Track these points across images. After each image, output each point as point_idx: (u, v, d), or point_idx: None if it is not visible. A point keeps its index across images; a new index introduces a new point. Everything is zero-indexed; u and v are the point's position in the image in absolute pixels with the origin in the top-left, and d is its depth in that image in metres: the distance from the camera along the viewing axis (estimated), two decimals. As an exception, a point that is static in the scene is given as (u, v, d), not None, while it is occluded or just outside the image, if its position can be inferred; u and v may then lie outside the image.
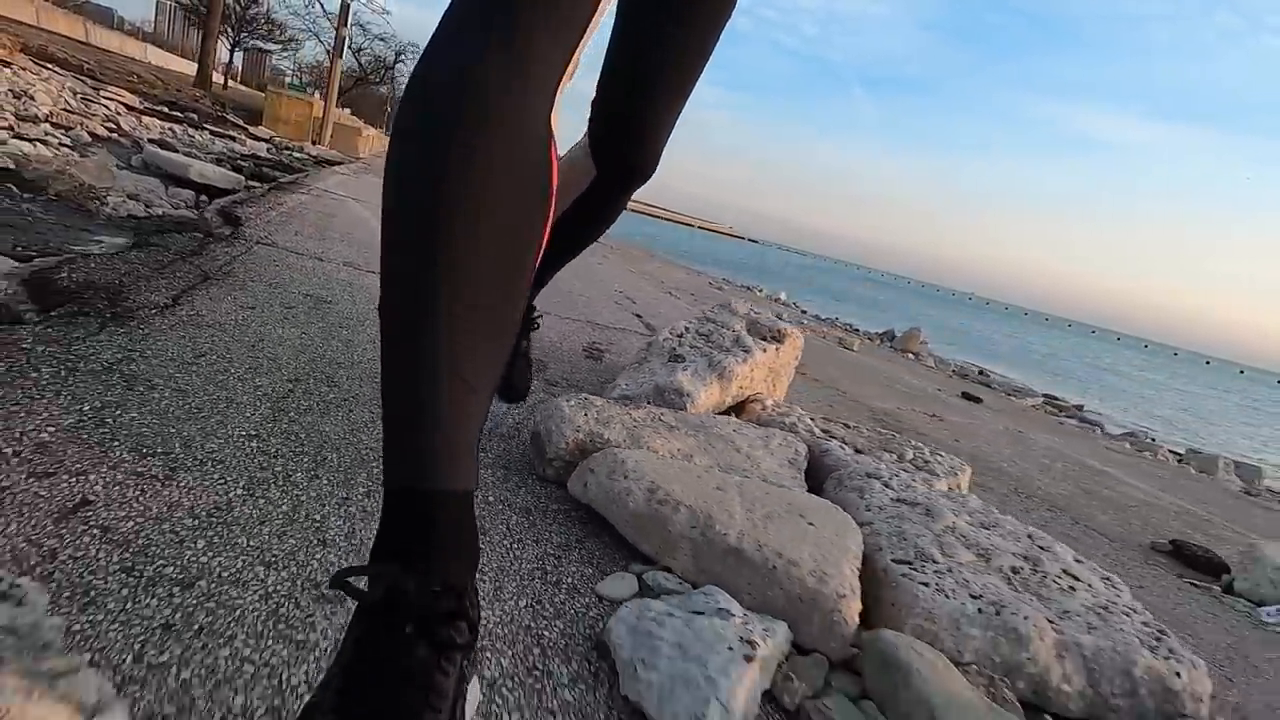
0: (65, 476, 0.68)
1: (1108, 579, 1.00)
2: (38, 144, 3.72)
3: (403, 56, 31.93)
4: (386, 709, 0.37)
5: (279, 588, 0.62)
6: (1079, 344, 47.36)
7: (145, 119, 7.33)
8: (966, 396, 4.20)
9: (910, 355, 6.27)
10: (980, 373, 8.47)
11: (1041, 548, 1.02)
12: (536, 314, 1.44)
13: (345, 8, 14.44)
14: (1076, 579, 0.95)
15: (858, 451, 1.38)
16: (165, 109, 9.75)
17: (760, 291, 9.03)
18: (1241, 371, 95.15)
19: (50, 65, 10.41)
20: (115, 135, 5.48)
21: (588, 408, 1.07)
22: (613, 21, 0.87)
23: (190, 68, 23.44)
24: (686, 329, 1.64)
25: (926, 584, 0.83)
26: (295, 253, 2.10)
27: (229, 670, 0.52)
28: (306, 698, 0.52)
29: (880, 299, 33.37)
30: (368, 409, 1.08)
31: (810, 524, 0.88)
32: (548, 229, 0.51)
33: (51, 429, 0.76)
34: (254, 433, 0.90)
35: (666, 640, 0.63)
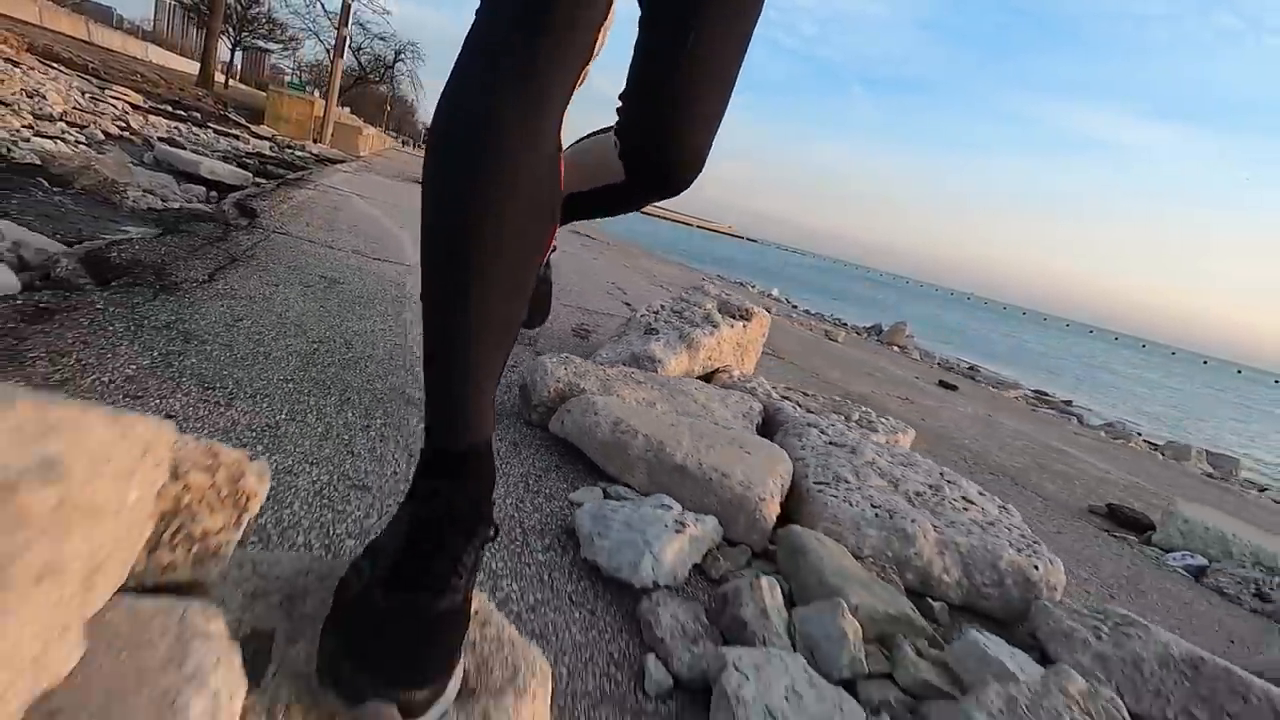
0: (152, 399, 0.88)
1: (1004, 507, 1.20)
2: (58, 141, 3.92)
3: (402, 55, 32.08)
4: (425, 569, 0.49)
5: (321, 477, 0.81)
6: (1075, 343, 47.60)
7: (152, 118, 7.51)
8: (943, 384, 4.39)
9: (896, 348, 6.47)
10: (970, 368, 8.67)
11: (949, 482, 1.22)
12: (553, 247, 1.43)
13: (346, 8, 14.60)
14: (971, 503, 1.15)
15: (809, 412, 1.57)
16: (169, 108, 9.92)
17: (753, 288, 9.23)
18: (1239, 371, 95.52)
19: (56, 65, 10.58)
20: (127, 134, 5.66)
21: (567, 364, 1.26)
22: (638, 16, 0.78)
23: (190, 66, 23.61)
24: (663, 307, 1.84)
25: (836, 497, 1.02)
26: (308, 241, 2.29)
27: (292, 521, 0.71)
28: (349, 542, 0.71)
29: (878, 298, 33.58)
30: (380, 365, 1.27)
31: (747, 453, 1.07)
32: (552, 236, 0.61)
33: (133, 367, 0.95)
34: (289, 378, 1.09)
35: (618, 520, 0.83)
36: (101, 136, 4.99)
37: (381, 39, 29.05)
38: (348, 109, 24.37)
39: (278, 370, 1.10)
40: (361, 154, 14.15)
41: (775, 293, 9.09)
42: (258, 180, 4.39)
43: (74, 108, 6.08)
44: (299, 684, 0.40)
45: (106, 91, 8.98)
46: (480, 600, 0.53)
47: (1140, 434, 6.77)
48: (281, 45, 30.60)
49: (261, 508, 0.68)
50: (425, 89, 38.41)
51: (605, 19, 0.59)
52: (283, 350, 1.20)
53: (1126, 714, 0.61)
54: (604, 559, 0.77)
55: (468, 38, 0.55)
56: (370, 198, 4.41)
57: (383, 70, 32.69)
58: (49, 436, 0.25)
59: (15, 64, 8.18)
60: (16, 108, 4.88)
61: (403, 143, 49.38)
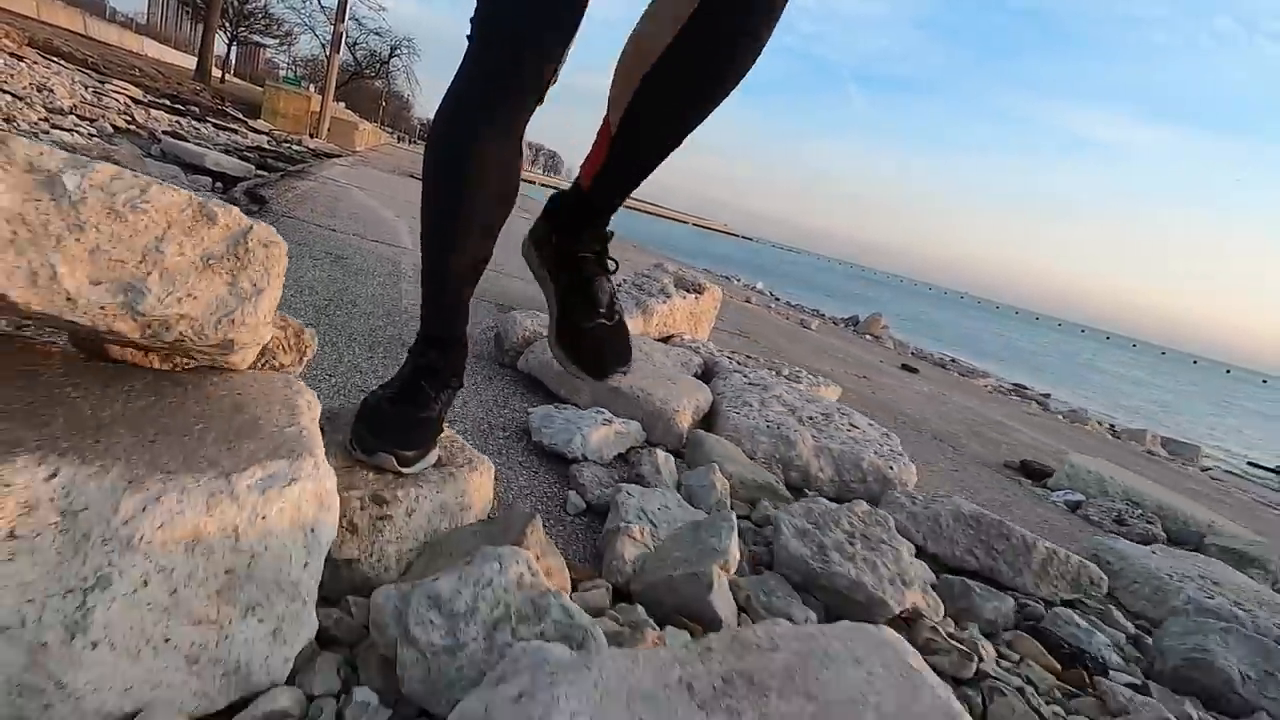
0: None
1: (886, 434, 1.48)
2: (73, 134, 4.16)
3: (398, 51, 32.17)
4: (415, 393, 0.76)
5: (336, 384, 1.09)
6: (1066, 342, 48.08)
7: (153, 112, 7.74)
8: (905, 368, 4.69)
9: (870, 337, 6.77)
10: (951, 360, 8.97)
11: (842, 413, 1.50)
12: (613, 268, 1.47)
13: (342, 4, 14.80)
14: (856, 426, 1.43)
15: (742, 365, 1.85)
16: (168, 102, 10.12)
17: (738, 281, 9.52)
18: (1228, 371, 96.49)
19: (56, 59, 10.75)
20: (133, 127, 5.90)
21: (533, 317, 1.54)
22: None
23: (185, 60, 23.73)
24: (625, 280, 2.12)
25: (739, 415, 1.31)
26: (314, 224, 2.56)
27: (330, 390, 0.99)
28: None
29: (869, 295, 33.90)
30: (380, 319, 1.54)
31: (673, 383, 1.35)
32: (508, 213, 0.80)
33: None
34: (311, 322, 1.36)
35: (560, 418, 1.11)
36: (111, 130, 5.24)
37: (377, 34, 29.18)
38: (342, 104, 24.54)
39: (299, 318, 1.38)
40: (358, 149, 14.37)
41: (760, 286, 9.40)
42: (260, 173, 4.64)
43: (81, 102, 6.31)
44: (338, 448, 0.68)
45: (107, 86, 9.17)
46: (452, 433, 0.81)
47: (1100, 421, 7.08)
48: (277, 40, 30.74)
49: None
50: (421, 85, 38.54)
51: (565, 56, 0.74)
52: (301, 304, 1.48)
53: (894, 527, 0.90)
54: (546, 439, 1.05)
55: (459, 77, 0.72)
56: (368, 190, 4.67)
57: (378, 66, 32.81)
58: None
59: (19, 58, 8.38)
60: (29, 101, 5.12)
61: (398, 139, 49.35)
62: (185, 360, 0.58)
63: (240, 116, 12.70)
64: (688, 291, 2.12)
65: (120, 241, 0.45)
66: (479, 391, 1.29)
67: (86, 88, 7.99)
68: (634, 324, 1.88)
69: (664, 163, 0.81)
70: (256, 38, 30.28)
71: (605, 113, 0.79)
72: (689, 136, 0.78)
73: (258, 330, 0.55)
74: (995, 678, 0.75)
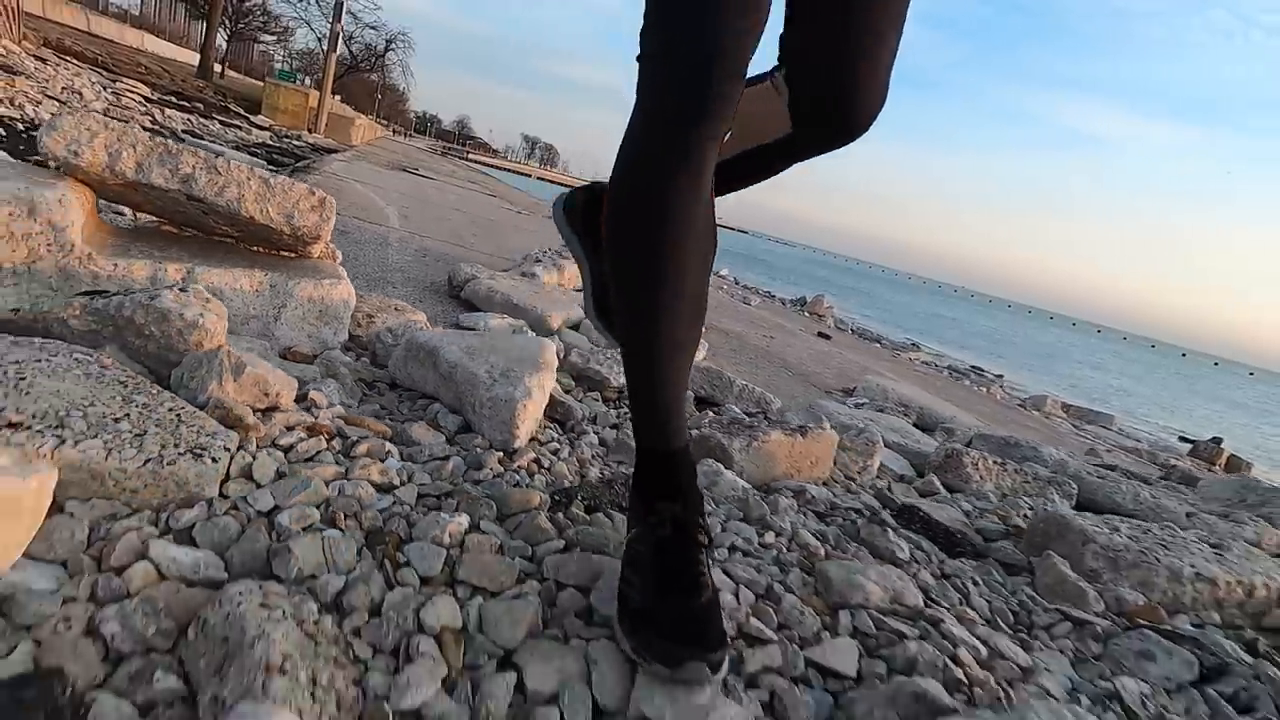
0: (272, 264, 1.98)
1: (713, 352, 2.30)
2: (117, 135, 4.93)
3: (393, 45, 32.75)
4: (679, 577, 0.64)
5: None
6: (1056, 334, 48.88)
7: (168, 111, 8.49)
8: (820, 334, 5.52)
9: (814, 316, 7.60)
10: (886, 339, 9.78)
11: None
12: None
13: (340, 4, 15.49)
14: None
15: (626, 307, 2.68)
16: (174, 99, 10.83)
17: (707, 268, 10.32)
18: (1216, 364, 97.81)
19: (69, 58, 11.44)
20: (155, 127, 6.67)
21: (476, 269, 2.36)
22: None
23: (182, 54, 24.37)
24: (549, 249, 2.94)
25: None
26: (324, 209, 3.38)
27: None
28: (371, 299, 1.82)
29: (850, 285, 34.70)
30: (374, 268, 2.36)
31: (554, 301, 2.18)
32: (711, 263, 0.72)
33: (258, 254, 2.05)
34: (328, 267, 2.18)
35: (477, 316, 1.93)
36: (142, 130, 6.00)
37: (372, 28, 29.79)
38: (337, 97, 25.20)
39: (322, 263, 2.20)
40: (355, 143, 15.09)
41: (725, 272, 10.21)
42: (271, 168, 5.44)
43: (109, 105, 7.07)
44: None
45: (117, 84, 9.88)
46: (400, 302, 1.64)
47: (1004, 386, 7.90)
48: (275, 37, 31.37)
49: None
50: (416, 78, 39.05)
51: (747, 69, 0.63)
52: (322, 257, 2.29)
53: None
54: (467, 324, 1.88)
55: (637, 114, 0.64)
56: (365, 183, 5.47)
57: (374, 59, 33.38)
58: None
59: (41, 60, 9.10)
60: (70, 104, 5.88)
61: (394, 132, 49.87)
62: (289, 251, 1.39)
63: (242, 113, 13.41)
64: (597, 258, 2.94)
65: (284, 198, 1.27)
66: (433, 311, 2.11)
67: (104, 88, 8.72)
68: (550, 276, 2.70)
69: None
70: (256, 35, 30.85)
71: None
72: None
73: (325, 237, 1.37)
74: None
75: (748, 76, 0.65)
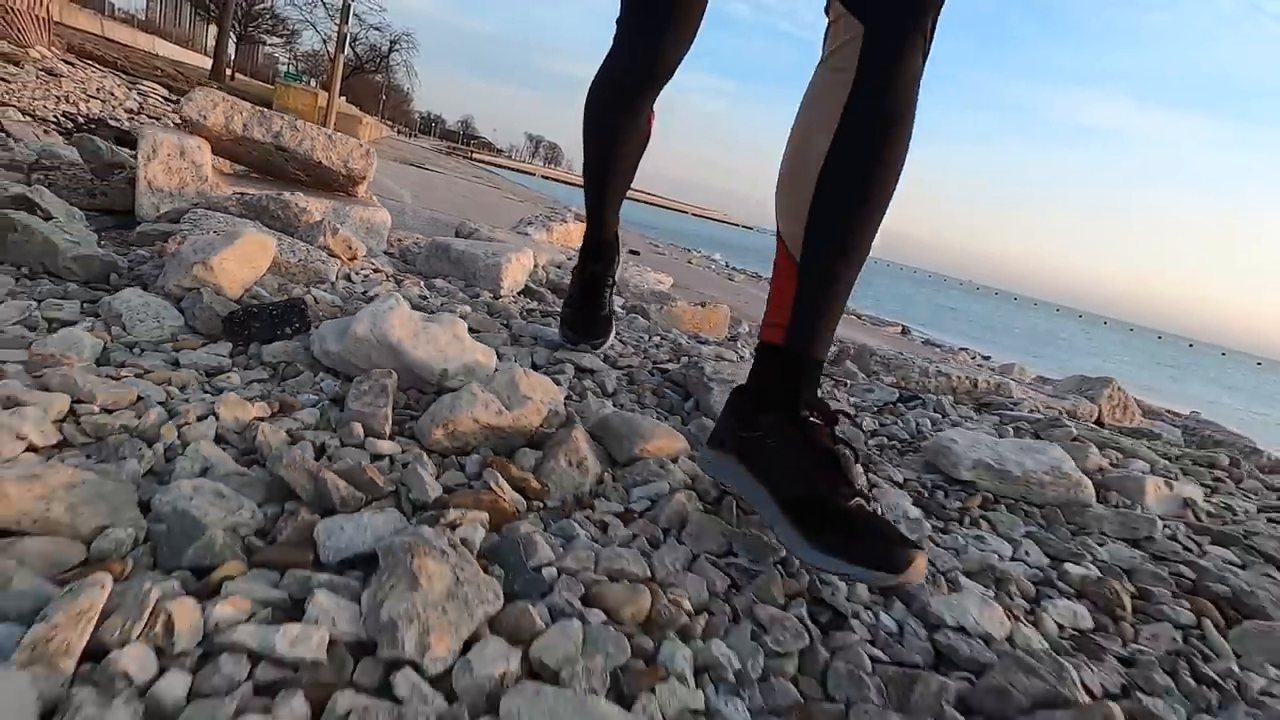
0: (318, 215, 2.53)
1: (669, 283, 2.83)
2: (158, 129, 5.49)
3: (398, 46, 33.25)
4: (591, 301, 1.22)
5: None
6: (1057, 323, 48.80)
7: (191, 110, 9.01)
8: (794, 303, 6.02)
9: (797, 293, 8.09)
10: (905, 331, 10.18)
11: (659, 282, 2.85)
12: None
13: (346, 7, 16.02)
14: (660, 281, 2.78)
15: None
16: (193, 100, 11.31)
17: (699, 253, 10.86)
18: (1191, 345, 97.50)
19: (90, 62, 11.99)
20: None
21: (478, 223, 2.89)
22: None
23: (191, 57, 25.02)
24: (539, 215, 3.47)
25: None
26: (348, 186, 3.93)
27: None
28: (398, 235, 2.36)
29: (861, 277, 34.53)
30: (396, 218, 2.90)
31: (540, 247, 2.71)
32: (641, 154, 1.13)
33: (306, 209, 2.60)
34: (360, 221, 2.73)
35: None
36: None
37: (377, 29, 30.27)
38: (343, 98, 25.76)
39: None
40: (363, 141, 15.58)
41: (717, 256, 10.75)
42: (294, 157, 5.97)
43: (139, 106, 7.63)
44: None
45: (139, 86, 10.41)
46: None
47: (967, 352, 8.33)
48: (283, 40, 31.97)
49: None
50: (420, 79, 39.50)
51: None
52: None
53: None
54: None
55: (609, 62, 1.02)
56: (378, 173, 6.03)
57: (378, 60, 33.87)
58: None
59: (70, 64, 9.67)
60: (111, 106, 6.45)
61: (398, 132, 50.37)
62: (341, 192, 1.93)
63: (257, 112, 13.90)
64: (584, 220, 3.47)
65: (343, 148, 1.81)
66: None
67: (129, 90, 9.27)
68: (540, 235, 3.23)
69: (855, 276, 0.75)
70: (264, 38, 31.47)
71: (776, 247, 0.79)
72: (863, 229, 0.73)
73: (369, 178, 1.91)
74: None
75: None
